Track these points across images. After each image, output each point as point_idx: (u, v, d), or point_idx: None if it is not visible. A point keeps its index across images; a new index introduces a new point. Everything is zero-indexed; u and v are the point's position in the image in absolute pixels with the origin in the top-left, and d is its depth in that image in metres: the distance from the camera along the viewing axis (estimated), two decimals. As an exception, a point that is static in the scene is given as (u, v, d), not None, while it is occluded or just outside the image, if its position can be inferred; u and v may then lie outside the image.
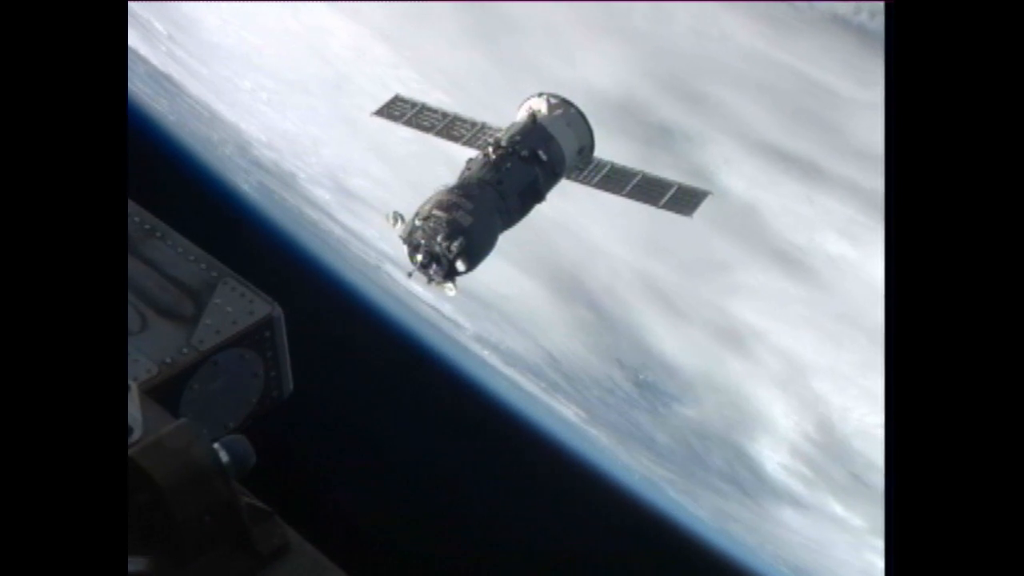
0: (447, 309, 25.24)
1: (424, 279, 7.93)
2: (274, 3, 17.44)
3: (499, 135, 8.72)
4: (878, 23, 12.99)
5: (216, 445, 4.82)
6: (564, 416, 27.68)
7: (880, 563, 24.60)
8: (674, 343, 21.30)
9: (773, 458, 23.01)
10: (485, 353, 27.03)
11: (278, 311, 6.86)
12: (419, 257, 7.74)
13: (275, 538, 5.26)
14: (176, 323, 6.51)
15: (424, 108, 9.45)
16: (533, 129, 8.71)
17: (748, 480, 25.10)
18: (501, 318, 24.67)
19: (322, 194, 24.33)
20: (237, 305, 6.69)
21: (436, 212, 7.74)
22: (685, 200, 9.07)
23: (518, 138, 8.57)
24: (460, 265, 7.73)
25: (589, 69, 14.69)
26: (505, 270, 21.19)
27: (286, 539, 5.52)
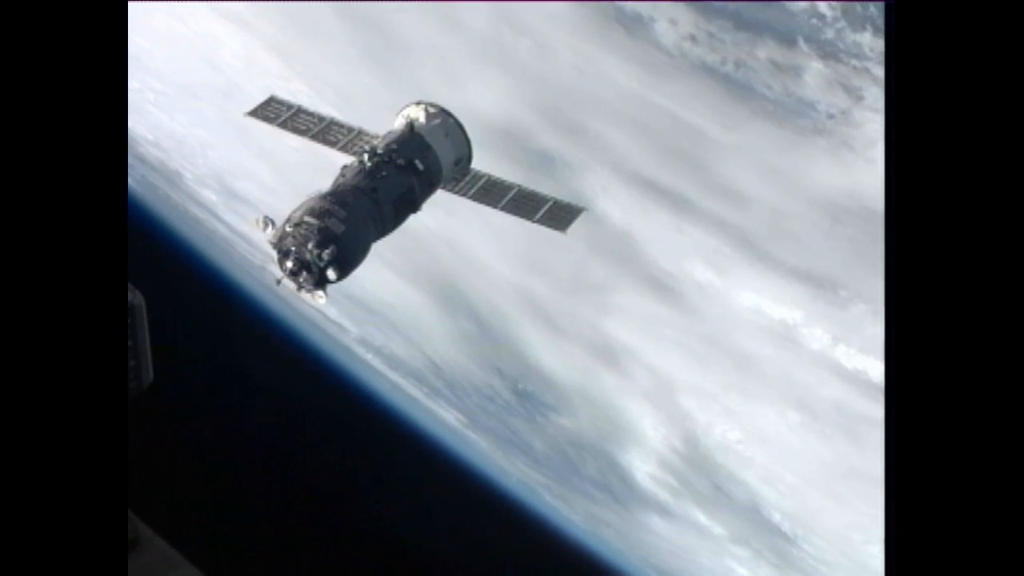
0: (333, 312, 25.29)
1: (293, 286, 7.60)
2: (167, 6, 17.18)
3: (376, 142, 8.47)
4: (742, 74, 13.96)
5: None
6: (445, 420, 28.10)
7: (738, 568, 26.06)
8: (552, 356, 21.89)
9: (642, 468, 23.89)
10: (368, 356, 27.16)
11: (139, 298, 6.63)
12: (289, 264, 7.41)
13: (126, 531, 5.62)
14: None
15: (300, 111, 9.21)
16: (410, 138, 8.50)
17: (619, 488, 26.02)
18: (385, 324, 24.87)
19: (208, 195, 24.18)
20: None
21: (308, 219, 7.41)
22: (560, 215, 8.95)
23: (395, 146, 8.35)
24: (331, 274, 7.45)
25: (476, 95, 14.99)
26: (391, 279, 21.46)
27: (136, 533, 5.85)
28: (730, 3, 13.41)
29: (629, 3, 14.17)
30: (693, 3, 13.61)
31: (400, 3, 15.39)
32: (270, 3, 16.98)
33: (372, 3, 15.88)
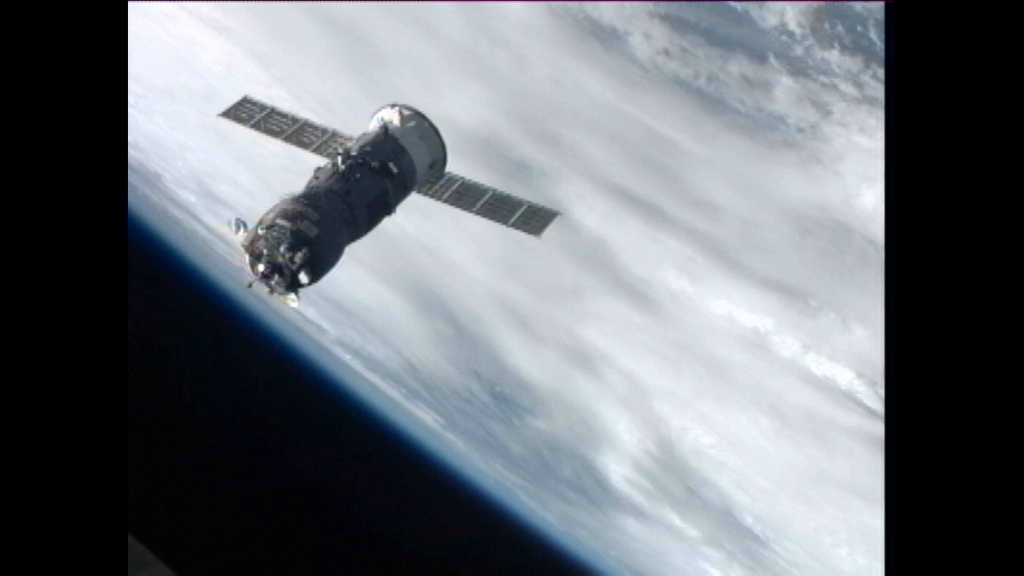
0: (311, 313, 25.32)
1: (265, 289, 7.30)
2: (142, 7, 17.13)
3: (349, 144, 8.25)
4: (715, 88, 14.15)
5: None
6: (423, 421, 28.19)
7: (711, 570, 26.36)
8: (528, 360, 22.02)
9: (618, 471, 24.07)
10: (347, 358, 27.21)
11: None
12: (261, 267, 7.17)
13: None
14: None
15: (274, 112, 9.07)
16: (385, 140, 8.34)
17: (594, 490, 26.24)
18: (364, 326, 24.93)
19: (187, 196, 24.28)
20: None
21: (280, 221, 7.16)
22: (534, 220, 8.86)
23: (369, 149, 8.15)
24: (303, 277, 7.19)
25: (453, 104, 15.01)
26: (368, 282, 21.56)
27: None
28: (704, 17, 13.56)
29: (605, 15, 14.25)
30: (668, 14, 13.73)
31: (378, 4, 15.42)
32: (250, 9, 17.02)
33: (351, 10, 15.93)
